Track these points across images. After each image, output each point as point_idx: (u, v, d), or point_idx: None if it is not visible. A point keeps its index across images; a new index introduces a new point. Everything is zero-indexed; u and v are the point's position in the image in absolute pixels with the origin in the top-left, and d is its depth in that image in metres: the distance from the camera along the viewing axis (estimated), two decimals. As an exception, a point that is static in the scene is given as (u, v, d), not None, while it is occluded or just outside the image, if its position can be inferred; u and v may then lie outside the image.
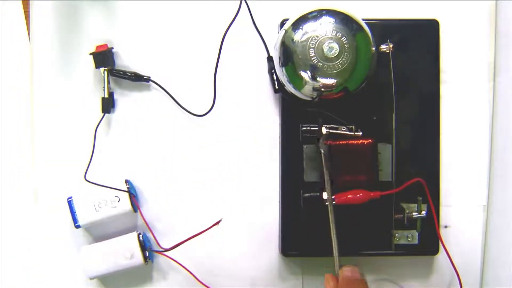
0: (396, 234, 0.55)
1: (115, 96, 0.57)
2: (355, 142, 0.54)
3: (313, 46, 0.50)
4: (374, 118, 0.55)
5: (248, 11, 0.55)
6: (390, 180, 0.54)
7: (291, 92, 0.53)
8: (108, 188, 0.55)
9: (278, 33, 0.55)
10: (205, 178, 0.58)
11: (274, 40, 0.54)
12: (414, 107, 0.56)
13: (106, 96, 0.56)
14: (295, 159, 0.56)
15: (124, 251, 0.55)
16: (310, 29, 0.51)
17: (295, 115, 0.55)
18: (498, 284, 0.57)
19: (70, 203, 0.55)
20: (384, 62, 0.53)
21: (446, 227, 0.58)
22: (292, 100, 0.55)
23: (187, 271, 0.57)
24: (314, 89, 0.51)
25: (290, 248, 0.57)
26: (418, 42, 0.56)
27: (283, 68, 0.52)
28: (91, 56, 0.55)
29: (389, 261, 0.58)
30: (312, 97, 0.52)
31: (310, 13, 0.51)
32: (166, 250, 0.55)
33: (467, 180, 0.58)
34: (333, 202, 0.52)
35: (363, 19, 0.52)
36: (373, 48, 0.51)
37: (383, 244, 0.56)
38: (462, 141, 0.58)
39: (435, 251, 0.56)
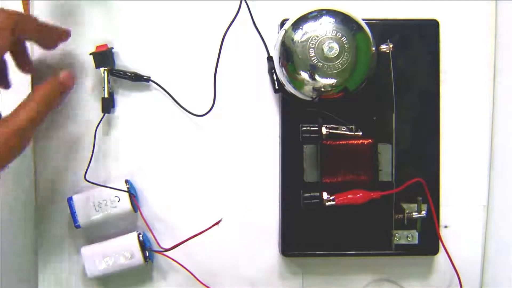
0: (396, 234, 0.55)
1: (115, 96, 0.57)
2: (355, 142, 0.54)
3: (313, 46, 0.50)
4: (374, 118, 0.55)
5: (248, 11, 0.55)
6: (390, 180, 0.54)
7: (291, 92, 0.53)
8: (108, 188, 0.55)
9: (278, 33, 0.55)
10: (205, 178, 0.58)
11: (274, 40, 0.54)
12: (414, 107, 0.56)
13: (106, 96, 0.56)
14: (295, 159, 0.56)
15: (124, 251, 0.55)
16: (310, 29, 0.50)
17: (295, 115, 0.55)
18: (498, 284, 0.57)
19: (70, 203, 0.55)
20: (384, 62, 0.53)
21: (446, 227, 0.58)
22: (292, 100, 0.55)
23: (187, 271, 0.57)
24: (314, 89, 0.51)
25: (290, 248, 0.57)
26: (418, 42, 0.56)
27: (283, 68, 0.52)
28: (91, 56, 0.55)
29: (389, 261, 0.58)
30: (312, 97, 0.52)
31: (310, 13, 0.51)
32: (166, 250, 0.55)
33: (467, 180, 0.58)
34: (333, 203, 0.52)
35: (363, 19, 0.52)
36: (373, 48, 0.51)
37: (383, 244, 0.56)
38: (462, 141, 0.58)
39: (435, 251, 0.56)
